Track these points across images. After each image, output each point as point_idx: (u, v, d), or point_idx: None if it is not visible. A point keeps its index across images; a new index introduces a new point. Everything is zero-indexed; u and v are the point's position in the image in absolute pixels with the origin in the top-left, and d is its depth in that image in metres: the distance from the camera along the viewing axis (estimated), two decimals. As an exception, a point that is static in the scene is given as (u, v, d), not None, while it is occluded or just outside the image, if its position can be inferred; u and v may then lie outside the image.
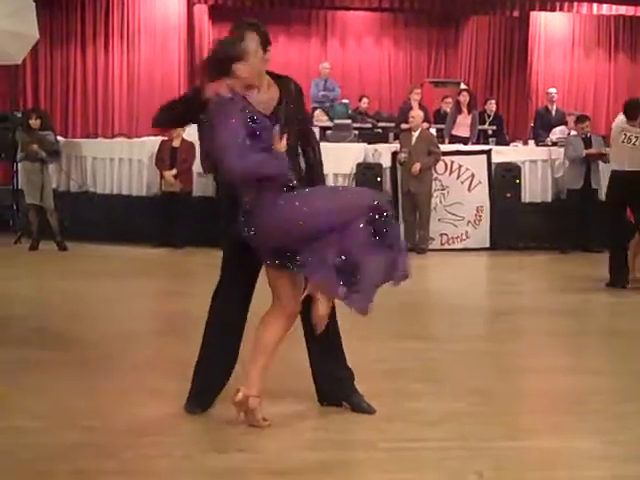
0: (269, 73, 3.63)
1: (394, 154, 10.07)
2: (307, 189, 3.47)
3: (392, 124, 11.86)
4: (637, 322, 6.20)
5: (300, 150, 3.71)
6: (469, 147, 10.68)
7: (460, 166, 10.15)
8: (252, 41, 3.46)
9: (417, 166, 9.69)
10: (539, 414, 3.91)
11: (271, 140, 3.31)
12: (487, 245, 10.12)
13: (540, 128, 12.34)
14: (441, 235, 10.11)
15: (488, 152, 10.31)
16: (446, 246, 10.08)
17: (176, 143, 9.90)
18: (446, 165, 10.11)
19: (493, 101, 12.12)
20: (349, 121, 11.55)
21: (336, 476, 3.08)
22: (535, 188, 10.42)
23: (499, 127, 11.76)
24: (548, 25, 15.61)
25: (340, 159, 9.80)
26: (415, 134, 9.89)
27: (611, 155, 7.57)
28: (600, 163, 9.66)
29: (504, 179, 10.27)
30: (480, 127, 11.37)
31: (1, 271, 8.04)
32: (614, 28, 15.72)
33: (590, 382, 4.36)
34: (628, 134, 7.29)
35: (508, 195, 10.24)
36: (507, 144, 11.50)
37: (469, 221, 10.15)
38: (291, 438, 3.42)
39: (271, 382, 3.56)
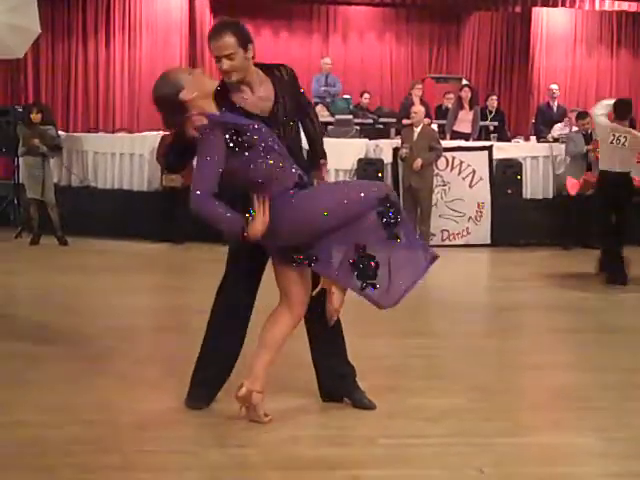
0: (259, 66, 3.57)
1: (395, 150, 10.06)
2: (316, 185, 3.49)
3: (393, 120, 11.85)
4: (638, 319, 6.20)
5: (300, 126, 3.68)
6: (470, 143, 10.67)
7: (461, 162, 10.15)
8: (226, 43, 3.37)
9: (418, 162, 9.67)
10: (540, 410, 3.92)
11: (267, 139, 3.30)
12: (488, 241, 10.12)
13: (541, 124, 12.35)
14: (442, 231, 10.11)
15: (489, 148, 10.31)
16: (447, 242, 10.08)
17: (177, 138, 9.88)
18: (447, 161, 10.11)
19: (495, 97, 12.10)
20: (350, 116, 11.56)
21: (337, 472, 3.08)
22: (536, 184, 10.43)
23: (501, 123, 11.75)
24: (550, 21, 15.59)
25: (341, 154, 9.80)
26: (417, 130, 9.88)
27: (601, 155, 7.53)
28: (601, 159, 9.66)
29: (505, 175, 10.27)
30: (482, 123, 11.36)
31: (2, 265, 8.05)
32: (616, 24, 15.70)
33: (591, 379, 4.37)
34: (617, 134, 7.28)
35: (509, 191, 10.25)
36: (508, 140, 11.49)
37: (470, 217, 10.15)
38: (292, 434, 3.42)
39: (272, 377, 3.57)
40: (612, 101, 7.69)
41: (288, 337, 3.50)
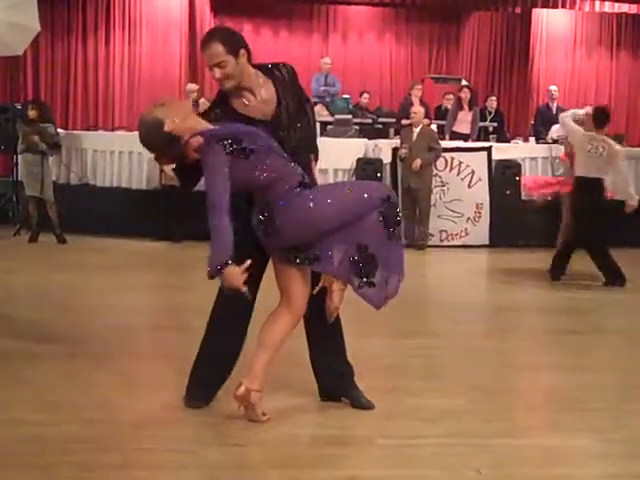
0: (258, 67, 3.56)
1: (394, 150, 10.07)
2: (321, 185, 3.52)
3: (393, 120, 11.86)
4: (636, 320, 6.21)
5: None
6: (469, 144, 10.68)
7: (460, 163, 10.16)
8: (214, 51, 3.38)
9: (417, 162, 9.69)
10: (538, 411, 3.92)
11: (266, 141, 3.30)
12: (486, 242, 10.13)
13: (541, 125, 12.34)
14: (440, 232, 10.12)
15: (488, 149, 10.32)
16: (445, 243, 10.09)
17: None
18: (446, 161, 10.12)
19: (494, 98, 12.12)
20: (350, 116, 11.55)
21: (335, 471, 3.08)
22: (535, 185, 10.42)
23: (500, 124, 11.77)
24: (550, 22, 15.60)
25: (340, 154, 9.81)
26: (416, 130, 9.89)
27: (577, 162, 7.59)
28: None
29: (504, 176, 10.28)
30: (481, 124, 11.37)
31: (0, 263, 8.04)
32: (616, 26, 15.71)
33: (589, 380, 4.37)
34: (595, 144, 7.34)
35: (508, 192, 10.26)
36: (508, 141, 11.51)
37: (469, 218, 10.16)
38: (291, 433, 3.42)
39: (271, 376, 3.57)
40: (582, 111, 7.87)
41: (287, 337, 3.50)
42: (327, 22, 15.72)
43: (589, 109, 7.86)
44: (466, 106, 11.20)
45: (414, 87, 11.63)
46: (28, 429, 3.39)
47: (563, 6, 15.09)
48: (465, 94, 11.25)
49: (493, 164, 10.26)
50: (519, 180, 10.27)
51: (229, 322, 3.66)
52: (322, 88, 12.31)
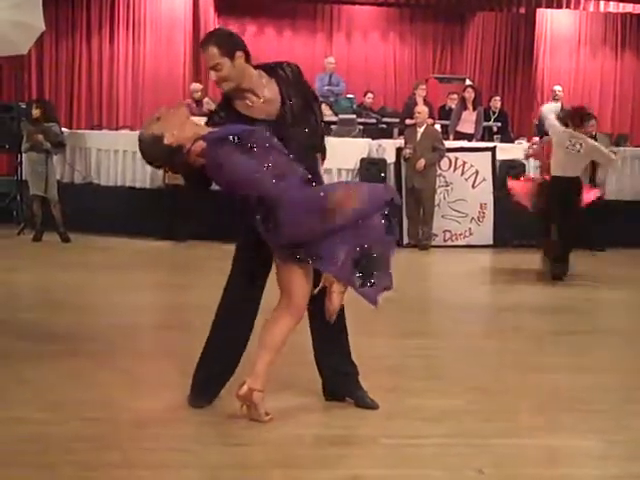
0: (262, 67, 3.56)
1: (398, 150, 10.06)
2: (325, 184, 3.53)
3: (397, 119, 11.85)
4: (637, 320, 6.21)
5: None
6: (474, 144, 10.67)
7: (464, 163, 10.15)
8: (209, 54, 3.41)
9: (421, 162, 9.69)
10: (539, 412, 3.92)
11: (268, 139, 3.30)
12: (490, 242, 10.12)
13: (545, 126, 12.31)
14: (444, 232, 10.11)
15: (493, 149, 10.31)
16: (449, 243, 10.09)
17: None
18: (450, 161, 10.11)
19: (498, 98, 12.10)
20: (354, 116, 11.54)
21: (337, 471, 3.09)
22: (539, 186, 10.40)
23: (504, 124, 11.74)
24: (554, 22, 15.59)
25: (344, 154, 9.80)
26: (420, 130, 9.89)
27: (554, 160, 7.59)
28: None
29: (508, 176, 10.25)
30: (485, 124, 11.35)
31: (4, 262, 8.06)
32: (620, 26, 15.69)
33: (591, 380, 4.37)
34: (573, 140, 7.37)
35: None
36: (512, 141, 11.48)
37: (472, 218, 10.15)
38: (294, 432, 3.43)
39: (275, 375, 3.57)
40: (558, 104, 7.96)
41: (288, 337, 3.50)
42: (331, 22, 15.73)
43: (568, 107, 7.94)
44: (470, 106, 11.19)
45: (418, 87, 11.63)
46: (30, 428, 3.40)
47: (567, 6, 15.07)
48: (469, 94, 11.23)
49: (497, 164, 10.25)
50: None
51: (234, 322, 3.66)
52: (326, 88, 12.31)
